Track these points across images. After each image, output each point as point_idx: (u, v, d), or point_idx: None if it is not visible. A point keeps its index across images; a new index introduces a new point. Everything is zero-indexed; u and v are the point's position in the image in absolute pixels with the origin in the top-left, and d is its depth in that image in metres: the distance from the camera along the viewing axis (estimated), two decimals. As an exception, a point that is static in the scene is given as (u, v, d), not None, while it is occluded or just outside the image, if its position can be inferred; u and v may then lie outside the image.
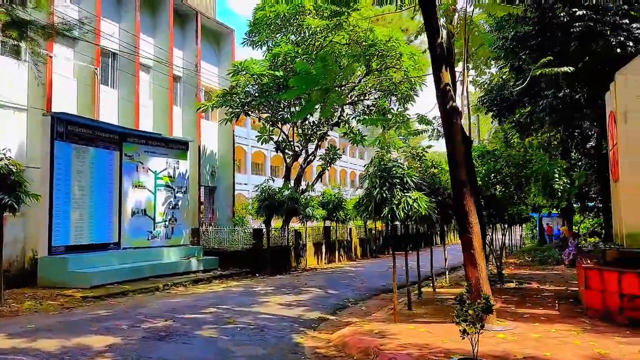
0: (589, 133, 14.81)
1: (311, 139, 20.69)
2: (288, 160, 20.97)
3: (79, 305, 11.19)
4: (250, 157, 39.43)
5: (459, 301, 5.47)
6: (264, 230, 18.41)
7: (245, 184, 36.51)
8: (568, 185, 14.07)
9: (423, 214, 8.59)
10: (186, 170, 19.02)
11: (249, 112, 18.60)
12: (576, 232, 23.52)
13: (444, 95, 8.58)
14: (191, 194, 19.82)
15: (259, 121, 19.98)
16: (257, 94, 16.94)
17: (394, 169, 8.69)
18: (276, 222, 22.78)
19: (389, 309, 10.10)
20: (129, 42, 18.86)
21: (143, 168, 17.32)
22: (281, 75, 16.95)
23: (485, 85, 25.15)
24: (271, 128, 20.28)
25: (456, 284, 14.20)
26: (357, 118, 21.25)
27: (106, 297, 12.11)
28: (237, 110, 18.15)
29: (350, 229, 25.41)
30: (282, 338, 7.98)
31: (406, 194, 8.47)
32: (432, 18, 8.65)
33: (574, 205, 28.54)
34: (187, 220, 19.11)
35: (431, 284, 13.20)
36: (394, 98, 23.23)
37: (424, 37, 13.49)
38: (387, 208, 8.39)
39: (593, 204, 27.78)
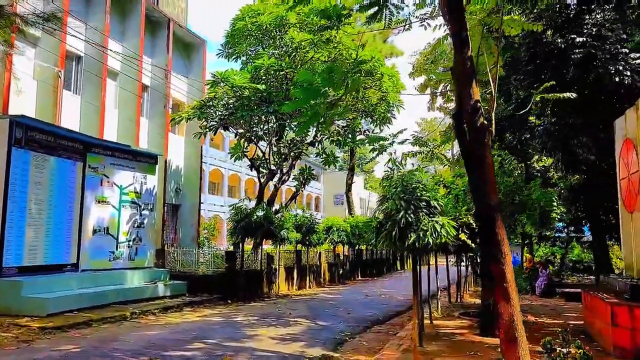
0: (581, 159, 14.68)
1: (287, 158, 19.72)
2: (262, 180, 19.87)
3: (37, 337, 9.59)
4: (227, 180, 38.97)
5: (547, 350, 4.63)
6: (237, 253, 17.14)
7: (222, 206, 35.76)
8: (564, 214, 13.85)
9: (450, 240, 7.82)
10: (154, 186, 17.55)
11: (228, 127, 17.44)
12: (545, 262, 23.48)
13: (474, 112, 7.89)
14: (156, 212, 18.31)
15: (235, 137, 18.83)
16: (236, 108, 15.87)
17: (418, 190, 7.89)
18: (245, 245, 21.51)
19: (398, 345, 9.20)
20: (96, 45, 17.42)
21: (108, 182, 15.75)
22: (264, 89, 15.99)
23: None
24: (246, 144, 19.17)
25: (448, 315, 13.46)
26: (340, 138, 20.45)
27: (68, 328, 10.53)
28: (214, 123, 16.96)
29: (320, 253, 24.41)
30: (295, 382, 6.90)
31: (433, 219, 7.67)
32: (462, 29, 8.01)
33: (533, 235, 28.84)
34: (152, 240, 17.56)
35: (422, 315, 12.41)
36: (369, 119, 22.69)
37: (394, 60, 12.97)
38: (412, 234, 7.55)
39: (554, 234, 28.05)
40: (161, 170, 19.46)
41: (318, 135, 21.86)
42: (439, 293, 21.94)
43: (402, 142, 14.50)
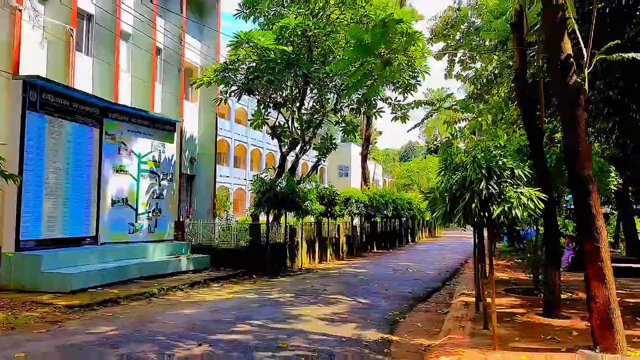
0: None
1: (310, 125, 18.70)
2: (284, 149, 18.89)
3: (65, 318, 8.81)
4: (234, 151, 38.32)
5: None
6: (263, 226, 16.33)
7: (227, 177, 34.61)
8: (621, 185, 12.95)
9: (535, 213, 6.95)
10: (172, 155, 16.61)
11: (252, 91, 16.35)
12: (573, 235, 22.67)
13: (565, 69, 6.92)
14: (174, 183, 17.41)
15: (258, 104, 17.71)
16: (262, 71, 14.77)
17: (499, 158, 6.97)
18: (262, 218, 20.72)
19: (460, 327, 8.43)
20: (108, 4, 16.20)
21: (126, 150, 14.80)
22: (291, 51, 14.86)
23: (476, 79, 24.06)
24: (266, 112, 18.11)
25: (498, 293, 12.62)
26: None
27: (96, 306, 9.74)
28: (236, 88, 15.86)
29: (339, 225, 23.64)
30: (370, 373, 6.13)
31: (518, 190, 6.77)
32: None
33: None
34: (172, 212, 16.71)
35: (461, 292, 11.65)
36: (390, 86, 21.53)
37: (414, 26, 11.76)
38: (497, 207, 6.65)
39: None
40: (177, 139, 18.47)
41: (340, 101, 20.78)
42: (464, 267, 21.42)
43: (449, 108, 13.50)
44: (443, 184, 7.94)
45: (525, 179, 6.90)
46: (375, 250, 28.78)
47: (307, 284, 13.77)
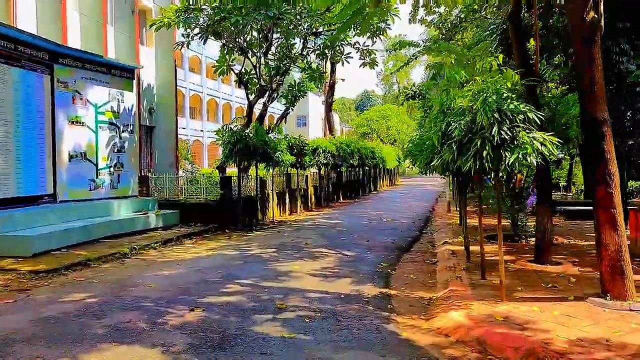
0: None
1: (278, 72, 17.72)
2: (251, 97, 17.89)
3: (32, 285, 7.99)
4: (189, 101, 36.75)
5: None
6: (233, 178, 15.58)
7: (184, 128, 33.57)
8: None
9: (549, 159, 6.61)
10: (132, 105, 15.38)
11: (220, 34, 15.09)
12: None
13: (583, 4, 6.42)
14: (135, 134, 16.24)
15: (222, 49, 16.50)
16: (229, 11, 13.58)
17: (510, 101, 6.50)
18: (230, 170, 19.91)
19: (457, 278, 8.19)
20: None
21: (81, 99, 13.52)
22: (260, -11, 13.67)
23: (441, 23, 23.52)
24: (231, 58, 16.97)
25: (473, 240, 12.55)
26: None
27: (64, 271, 8.93)
28: (201, 31, 14.59)
29: (307, 176, 23.12)
30: (375, 331, 5.76)
31: (531, 135, 6.36)
32: None
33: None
34: (134, 166, 15.65)
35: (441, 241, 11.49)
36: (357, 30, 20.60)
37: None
38: (510, 154, 6.23)
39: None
40: (137, 87, 17.13)
41: (306, 46, 19.76)
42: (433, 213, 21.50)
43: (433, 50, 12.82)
44: (440, 130, 7.46)
45: (538, 123, 6.49)
46: (341, 200, 28.60)
47: (286, 238, 13.30)
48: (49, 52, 12.45)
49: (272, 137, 17.03)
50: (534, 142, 6.30)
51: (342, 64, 20.66)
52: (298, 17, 16.00)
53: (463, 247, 10.69)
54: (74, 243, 10.96)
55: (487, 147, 6.34)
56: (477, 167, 6.50)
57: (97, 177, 13.96)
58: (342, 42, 19.92)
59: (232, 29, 14.71)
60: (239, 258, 10.25)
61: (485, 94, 6.49)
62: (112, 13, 18.08)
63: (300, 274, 8.76)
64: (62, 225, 11.40)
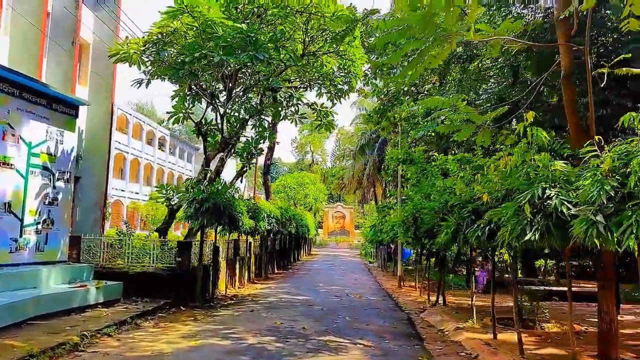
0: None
1: (245, 124, 15.85)
2: (209, 151, 15.68)
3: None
4: (129, 164, 36.37)
5: None
6: (193, 243, 13.04)
7: (123, 190, 31.81)
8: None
9: None
10: (72, 148, 12.55)
11: (194, 73, 12.89)
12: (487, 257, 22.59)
13: None
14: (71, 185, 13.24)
15: (175, 93, 14.30)
16: (210, 50, 11.69)
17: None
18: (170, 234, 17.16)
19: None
20: None
21: (13, 135, 10.58)
22: (247, 30, 12.04)
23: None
24: (191, 104, 14.84)
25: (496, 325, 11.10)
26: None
27: (1, 375, 6.03)
28: (174, 71, 12.34)
29: (250, 243, 20.76)
30: None
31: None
32: None
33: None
34: (66, 223, 12.56)
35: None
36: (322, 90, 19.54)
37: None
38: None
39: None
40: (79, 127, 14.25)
41: (264, 100, 18.20)
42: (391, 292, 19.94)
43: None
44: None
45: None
46: (276, 270, 26.25)
47: (267, 319, 10.93)
48: (-20, 72, 9.65)
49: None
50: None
51: (295, 124, 19.25)
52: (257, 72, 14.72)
53: (486, 335, 9.32)
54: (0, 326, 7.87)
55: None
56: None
57: (21, 236, 10.77)
58: (298, 102, 18.69)
59: (200, 72, 12.79)
60: (239, 352, 7.82)
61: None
62: (47, 42, 15.32)
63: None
64: (-23, 301, 8.24)
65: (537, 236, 6.15)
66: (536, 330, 10.58)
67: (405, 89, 28.49)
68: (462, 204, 9.61)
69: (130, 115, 44.10)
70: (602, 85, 8.29)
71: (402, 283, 21.08)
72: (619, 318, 8.40)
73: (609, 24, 11.87)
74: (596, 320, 12.47)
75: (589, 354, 8.16)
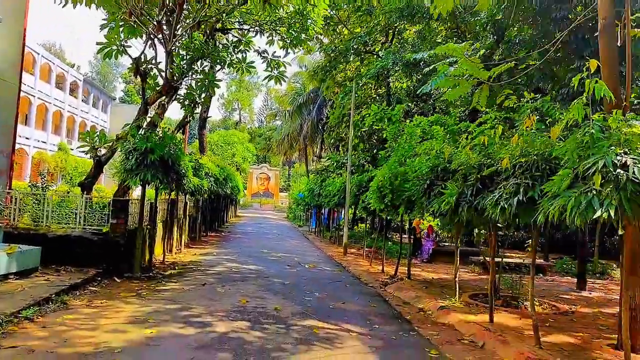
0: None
1: (192, 66, 13.56)
2: (149, 95, 13.28)
3: None
4: (35, 110, 32.06)
5: None
6: (130, 202, 10.87)
7: (27, 138, 29.14)
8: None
9: None
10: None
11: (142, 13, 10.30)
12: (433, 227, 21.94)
13: None
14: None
15: (113, 21, 11.72)
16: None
17: None
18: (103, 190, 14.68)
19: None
20: None
21: None
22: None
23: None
24: (128, 36, 12.32)
25: (470, 303, 10.13)
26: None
27: None
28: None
29: (187, 203, 18.62)
30: None
31: None
32: None
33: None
34: (-34, 171, 9.91)
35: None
36: (277, 38, 17.45)
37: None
38: None
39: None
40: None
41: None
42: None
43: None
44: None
45: None
46: (209, 234, 24.25)
47: (225, 295, 9.22)
48: None
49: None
50: None
51: (242, 72, 17.16)
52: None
53: (477, 317, 8.38)
54: None
55: None
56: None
57: None
58: (246, 48, 16.66)
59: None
60: (212, 346, 6.10)
61: None
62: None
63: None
64: None
65: (611, 212, 4.97)
66: (525, 310, 9.73)
67: (356, 46, 26.99)
68: (465, 170, 8.35)
69: (38, 54, 39.14)
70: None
71: (347, 250, 20.06)
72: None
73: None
74: (566, 296, 12.17)
75: (605, 342, 7.34)
